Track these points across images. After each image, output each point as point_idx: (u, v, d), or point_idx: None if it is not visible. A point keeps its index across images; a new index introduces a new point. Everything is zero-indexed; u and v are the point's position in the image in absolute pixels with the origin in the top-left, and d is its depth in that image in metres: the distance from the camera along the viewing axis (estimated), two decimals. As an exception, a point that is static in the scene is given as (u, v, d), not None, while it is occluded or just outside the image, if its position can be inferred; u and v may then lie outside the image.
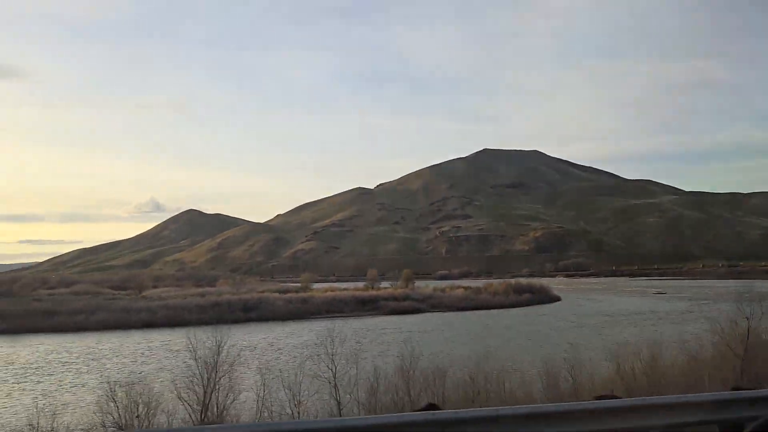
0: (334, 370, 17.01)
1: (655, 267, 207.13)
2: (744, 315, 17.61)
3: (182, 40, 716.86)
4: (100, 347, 51.61)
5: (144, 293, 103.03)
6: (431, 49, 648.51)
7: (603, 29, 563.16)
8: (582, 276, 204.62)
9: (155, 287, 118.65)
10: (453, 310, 74.27)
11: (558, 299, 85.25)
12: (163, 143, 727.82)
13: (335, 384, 16.59)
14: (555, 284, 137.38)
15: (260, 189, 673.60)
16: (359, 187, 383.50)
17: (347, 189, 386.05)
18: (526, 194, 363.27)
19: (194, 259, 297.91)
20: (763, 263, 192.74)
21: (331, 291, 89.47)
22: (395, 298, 77.39)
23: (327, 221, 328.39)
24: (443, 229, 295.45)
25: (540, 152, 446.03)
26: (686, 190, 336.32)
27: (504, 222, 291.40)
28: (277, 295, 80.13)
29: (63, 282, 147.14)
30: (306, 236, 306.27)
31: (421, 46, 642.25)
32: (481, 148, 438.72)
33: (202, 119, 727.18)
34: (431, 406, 6.50)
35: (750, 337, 16.83)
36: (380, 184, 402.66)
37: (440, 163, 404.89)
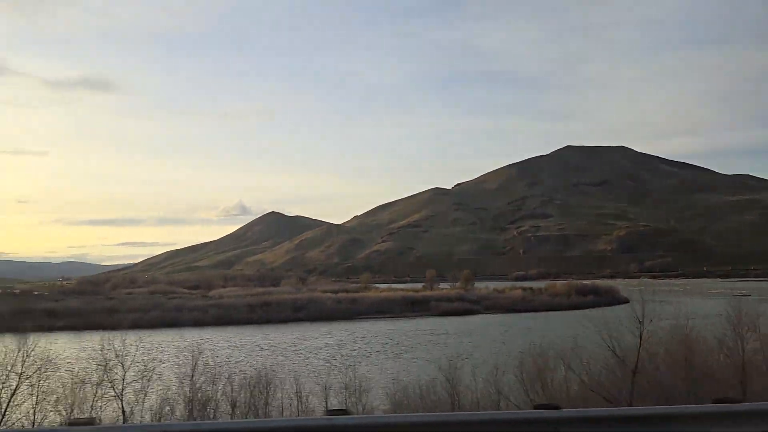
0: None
1: (752, 268, 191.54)
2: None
3: (265, 50, 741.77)
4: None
5: (210, 293, 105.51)
6: (509, 47, 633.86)
7: (693, 17, 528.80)
8: (669, 277, 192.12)
9: (224, 287, 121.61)
10: (508, 312, 70.67)
11: (626, 301, 79.09)
12: (249, 149, 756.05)
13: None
14: (635, 286, 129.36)
15: (339, 191, 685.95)
16: (436, 188, 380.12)
17: (424, 190, 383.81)
18: (611, 192, 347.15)
19: (274, 259, 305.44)
20: None
21: (388, 291, 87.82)
22: (448, 299, 74.67)
23: (403, 222, 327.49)
24: (521, 228, 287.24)
25: (626, 148, 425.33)
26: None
27: (586, 221, 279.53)
28: (328, 295, 79.37)
29: (149, 282, 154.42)
30: (382, 237, 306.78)
31: (498, 43, 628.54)
32: (564, 145, 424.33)
33: (286, 125, 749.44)
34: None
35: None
36: (458, 184, 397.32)
37: (520, 162, 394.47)
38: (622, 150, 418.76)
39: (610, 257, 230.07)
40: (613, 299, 79.33)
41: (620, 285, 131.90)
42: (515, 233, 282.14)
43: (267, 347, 47.86)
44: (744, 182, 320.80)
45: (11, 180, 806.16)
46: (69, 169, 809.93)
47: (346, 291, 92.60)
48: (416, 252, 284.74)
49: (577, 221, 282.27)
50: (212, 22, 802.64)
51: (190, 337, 55.97)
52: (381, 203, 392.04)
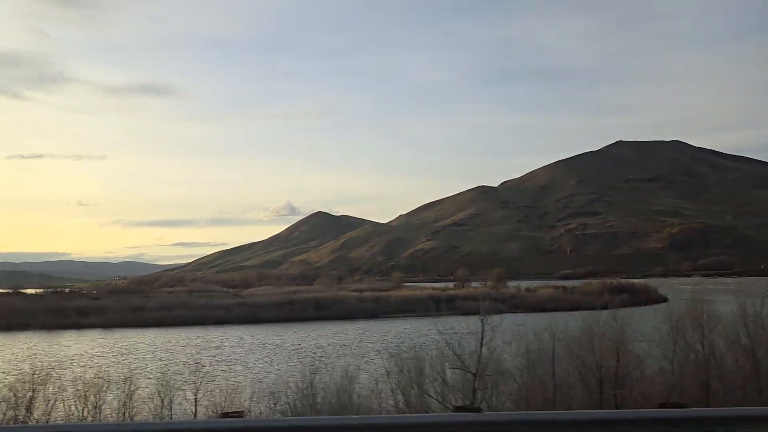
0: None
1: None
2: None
3: (311, 51, 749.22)
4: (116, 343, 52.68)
5: (244, 291, 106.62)
6: (556, 42, 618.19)
7: (751, 6, 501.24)
8: (724, 275, 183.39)
9: (260, 286, 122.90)
10: (535, 311, 68.28)
11: (665, 300, 75.44)
12: (298, 150, 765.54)
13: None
14: (685, 284, 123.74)
15: (386, 191, 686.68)
16: (482, 186, 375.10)
17: (470, 188, 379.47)
18: (666, 188, 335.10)
19: (319, 259, 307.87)
20: None
21: (415, 290, 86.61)
22: (474, 298, 72.72)
23: (448, 221, 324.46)
24: (570, 226, 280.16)
25: (682, 142, 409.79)
26: None
27: (636, 218, 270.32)
28: (353, 293, 78.75)
29: (192, 281, 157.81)
30: (426, 236, 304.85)
31: (545, 38, 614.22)
32: (614, 141, 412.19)
33: (333, 125, 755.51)
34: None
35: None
36: (504, 182, 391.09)
37: (568, 158, 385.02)
38: (677, 144, 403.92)
39: (661, 255, 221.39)
40: (649, 298, 75.78)
41: (671, 284, 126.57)
42: (562, 231, 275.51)
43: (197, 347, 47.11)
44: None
45: (73, 183, 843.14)
46: (127, 172, 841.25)
47: (377, 290, 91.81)
48: (461, 250, 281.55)
49: (627, 218, 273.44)
50: (262, 26, 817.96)
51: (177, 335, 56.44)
52: (427, 202, 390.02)
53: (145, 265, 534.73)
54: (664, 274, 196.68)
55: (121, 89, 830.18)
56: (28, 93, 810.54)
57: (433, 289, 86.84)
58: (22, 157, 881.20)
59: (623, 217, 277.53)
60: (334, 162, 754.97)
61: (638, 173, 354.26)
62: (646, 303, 74.88)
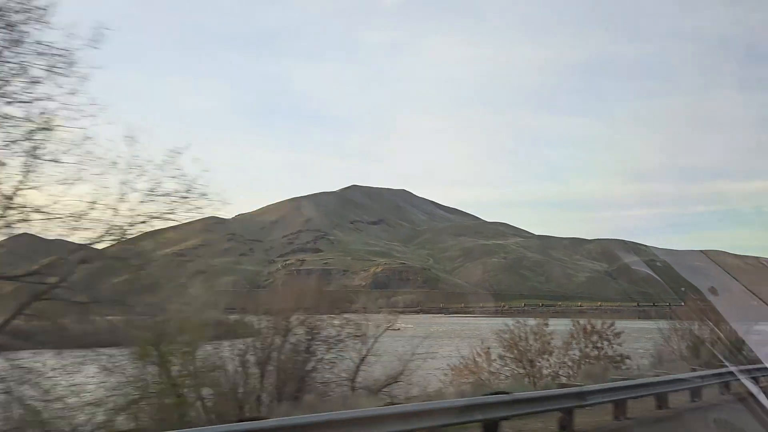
0: None
1: (481, 305, 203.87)
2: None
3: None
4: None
5: None
6: (318, 86, 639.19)
7: (479, 82, 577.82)
8: (410, 312, 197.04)
9: None
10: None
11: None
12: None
13: None
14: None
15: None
16: (213, 217, 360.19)
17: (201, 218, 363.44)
18: (386, 231, 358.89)
19: None
20: (579, 303, 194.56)
21: None
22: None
23: (168, 250, 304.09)
24: (288, 262, 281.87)
25: (409, 192, 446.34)
26: (537, 234, 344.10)
27: (352, 257, 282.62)
28: None
29: None
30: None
31: (309, 83, 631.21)
32: (350, 184, 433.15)
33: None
34: None
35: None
36: (239, 215, 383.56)
37: (304, 196, 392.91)
38: (404, 193, 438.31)
39: (363, 292, 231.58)
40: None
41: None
42: (280, 266, 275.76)
43: None
44: (500, 230, 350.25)
45: None
46: None
47: None
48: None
49: (344, 257, 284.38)
50: None
51: None
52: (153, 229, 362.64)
53: None
54: (358, 310, 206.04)
55: None
56: None
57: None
58: None
59: (341, 255, 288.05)
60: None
61: (365, 216, 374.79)
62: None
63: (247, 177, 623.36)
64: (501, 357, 22.52)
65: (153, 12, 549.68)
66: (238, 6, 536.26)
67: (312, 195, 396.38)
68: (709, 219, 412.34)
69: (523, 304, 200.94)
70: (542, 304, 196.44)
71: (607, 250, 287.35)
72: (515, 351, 22.22)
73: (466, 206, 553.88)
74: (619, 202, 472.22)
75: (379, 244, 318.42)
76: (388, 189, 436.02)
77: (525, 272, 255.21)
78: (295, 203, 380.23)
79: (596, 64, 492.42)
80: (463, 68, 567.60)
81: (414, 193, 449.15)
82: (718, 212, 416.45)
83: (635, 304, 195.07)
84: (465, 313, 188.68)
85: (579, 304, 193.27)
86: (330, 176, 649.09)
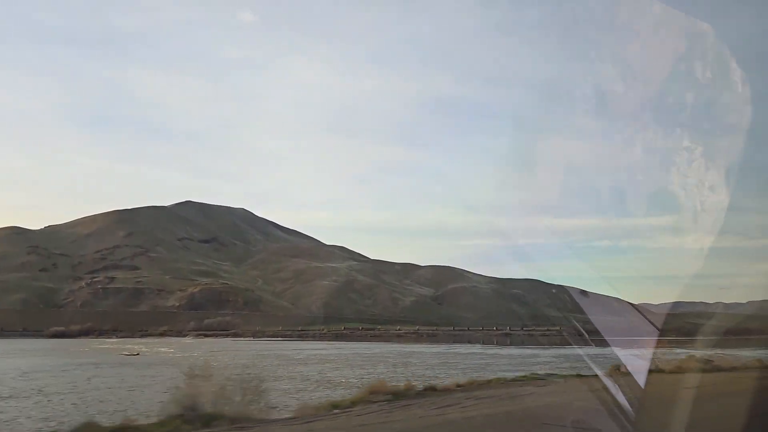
0: None
1: (297, 328, 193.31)
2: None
3: None
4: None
5: None
6: (166, 97, 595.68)
7: (334, 108, 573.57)
8: (220, 336, 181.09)
9: None
10: None
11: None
12: None
13: None
14: (141, 344, 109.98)
15: None
16: (16, 227, 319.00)
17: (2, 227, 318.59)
18: (218, 250, 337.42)
19: None
20: (398, 327, 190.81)
21: None
22: None
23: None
24: (96, 279, 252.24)
25: (249, 211, 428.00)
26: (372, 258, 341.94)
27: (172, 276, 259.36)
28: None
29: None
30: None
31: (154, 91, 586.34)
32: (185, 200, 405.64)
33: None
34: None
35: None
36: (49, 226, 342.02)
37: (128, 209, 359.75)
38: (243, 212, 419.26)
39: (174, 314, 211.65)
40: None
41: (146, 345, 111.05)
42: (84, 284, 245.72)
43: None
44: (335, 252, 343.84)
45: None
46: None
47: None
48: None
49: (163, 275, 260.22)
50: None
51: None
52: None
53: None
54: (164, 334, 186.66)
55: None
56: None
57: None
58: None
59: (160, 274, 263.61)
60: None
61: (197, 234, 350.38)
62: None
63: (67, 187, 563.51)
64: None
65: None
66: (81, 2, 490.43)
67: (139, 209, 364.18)
68: (530, 251, 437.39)
69: (342, 327, 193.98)
70: (361, 328, 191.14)
71: (437, 276, 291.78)
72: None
73: (308, 229, 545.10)
74: (456, 231, 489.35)
75: (206, 264, 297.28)
76: (227, 207, 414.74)
77: (353, 295, 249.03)
78: (118, 216, 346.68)
79: (448, 100, 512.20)
80: (318, 93, 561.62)
81: (254, 213, 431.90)
82: (541, 244, 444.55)
83: (451, 328, 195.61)
84: (282, 336, 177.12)
85: (398, 328, 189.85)
86: (166, 191, 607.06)
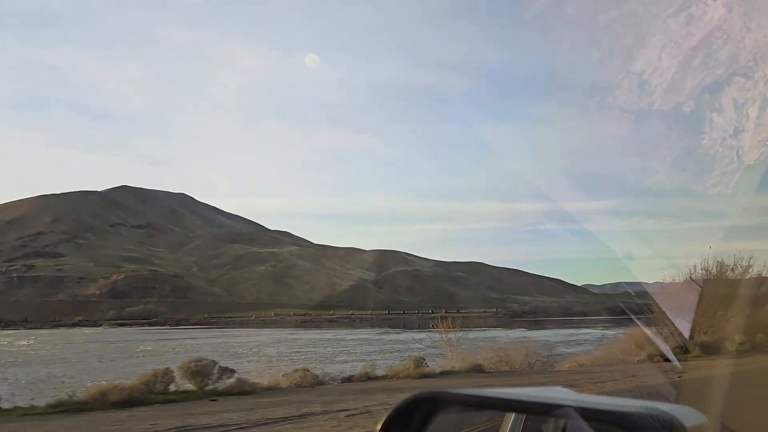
0: None
1: (228, 315, 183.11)
2: None
3: None
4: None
5: None
6: (105, 79, 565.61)
7: (281, 94, 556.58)
8: (141, 325, 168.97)
9: None
10: None
11: None
12: None
13: None
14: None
15: None
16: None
17: None
18: (153, 236, 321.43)
19: None
20: (331, 312, 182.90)
21: None
22: None
23: None
24: (12, 267, 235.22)
25: (189, 196, 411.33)
26: (316, 243, 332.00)
27: (97, 263, 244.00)
28: None
29: None
30: None
31: (92, 73, 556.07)
32: (121, 184, 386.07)
33: None
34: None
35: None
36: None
37: (55, 194, 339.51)
38: (182, 197, 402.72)
39: (95, 302, 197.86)
40: None
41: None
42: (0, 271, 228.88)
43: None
44: (278, 238, 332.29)
45: None
46: None
47: None
48: None
49: (87, 263, 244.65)
50: None
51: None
52: None
53: None
54: (79, 323, 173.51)
55: None
56: None
57: None
58: None
59: (85, 261, 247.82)
60: None
61: (131, 219, 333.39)
62: None
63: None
64: None
65: None
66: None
67: (68, 193, 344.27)
68: (478, 235, 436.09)
69: (273, 314, 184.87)
70: (292, 314, 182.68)
71: (380, 260, 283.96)
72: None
73: (253, 215, 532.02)
74: (404, 216, 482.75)
75: (138, 250, 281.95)
76: (166, 192, 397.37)
77: (290, 281, 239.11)
78: (45, 201, 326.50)
79: (394, 87, 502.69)
80: (265, 78, 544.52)
81: (195, 198, 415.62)
82: (484, 229, 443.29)
83: (386, 312, 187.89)
84: (207, 324, 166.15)
85: (330, 312, 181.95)
86: (101, 175, 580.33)
